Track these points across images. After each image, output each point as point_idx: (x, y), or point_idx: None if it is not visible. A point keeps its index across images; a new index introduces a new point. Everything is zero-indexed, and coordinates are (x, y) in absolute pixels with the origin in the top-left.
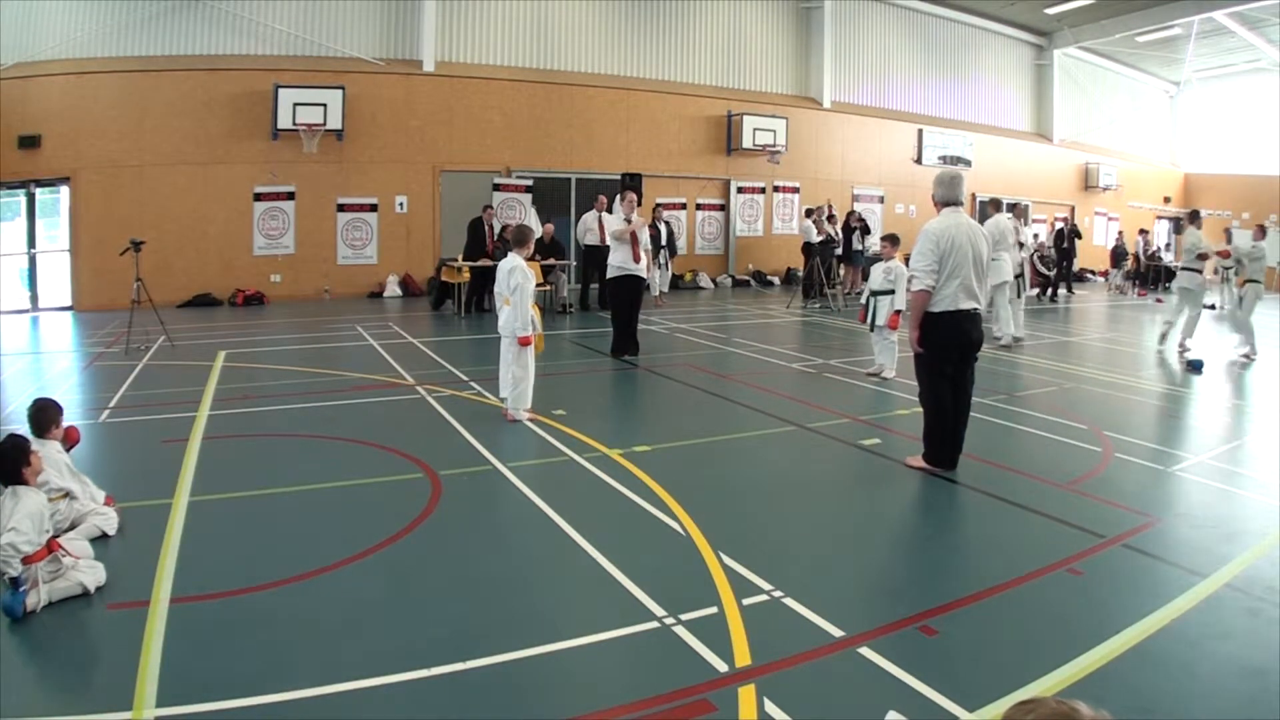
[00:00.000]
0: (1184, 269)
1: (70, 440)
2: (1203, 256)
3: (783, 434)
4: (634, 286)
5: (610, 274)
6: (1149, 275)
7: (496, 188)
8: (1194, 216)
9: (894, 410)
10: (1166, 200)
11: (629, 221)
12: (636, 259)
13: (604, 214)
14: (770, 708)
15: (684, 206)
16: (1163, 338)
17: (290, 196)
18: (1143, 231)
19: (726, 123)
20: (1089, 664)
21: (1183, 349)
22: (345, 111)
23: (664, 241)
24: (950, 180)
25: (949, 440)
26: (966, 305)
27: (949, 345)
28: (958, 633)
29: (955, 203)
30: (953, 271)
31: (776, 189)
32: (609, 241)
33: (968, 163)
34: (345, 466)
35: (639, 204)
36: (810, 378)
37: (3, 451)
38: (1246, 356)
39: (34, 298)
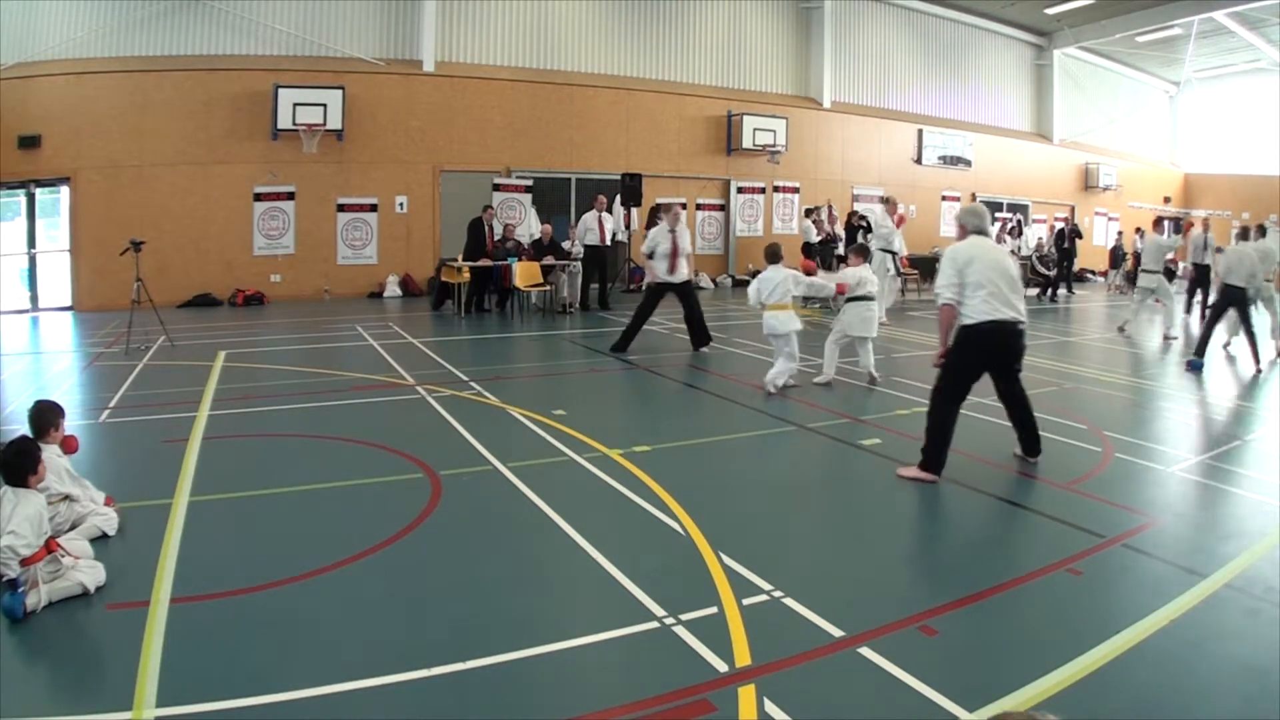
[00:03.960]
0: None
1: (68, 450)
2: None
3: (783, 434)
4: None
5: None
6: None
7: (496, 188)
8: (1157, 223)
9: (894, 410)
10: (1166, 200)
11: (673, 232)
12: (672, 270)
13: (604, 214)
14: (770, 708)
15: (684, 206)
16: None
17: (290, 196)
18: (1138, 230)
19: (726, 123)
20: (1089, 664)
21: (1168, 337)
22: (345, 111)
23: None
24: (983, 212)
25: (947, 446)
26: (1005, 315)
27: (984, 356)
28: (958, 633)
29: (982, 232)
30: (979, 281)
31: (776, 189)
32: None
33: (968, 163)
34: (345, 466)
35: (638, 204)
36: (810, 378)
37: (13, 453)
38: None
39: (34, 298)
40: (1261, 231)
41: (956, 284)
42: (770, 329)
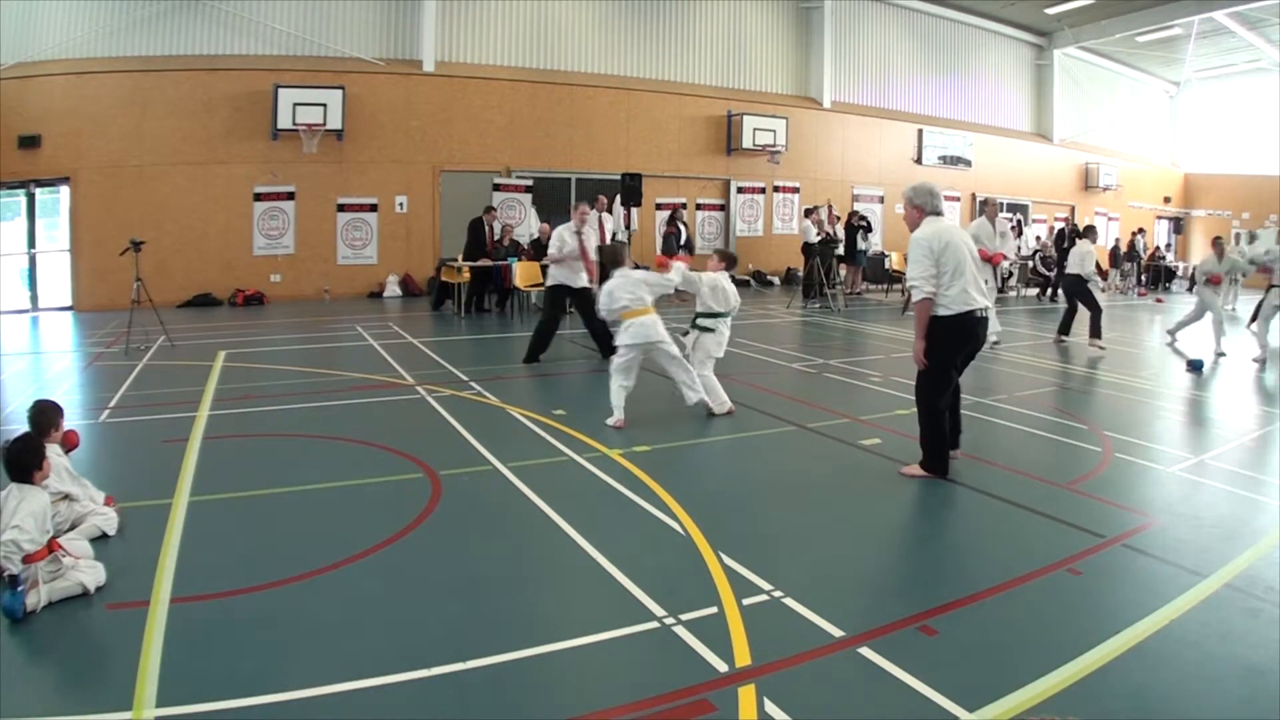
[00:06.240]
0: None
1: (69, 445)
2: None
3: (783, 434)
4: (567, 296)
5: (551, 282)
6: (1151, 274)
7: (496, 188)
8: (1215, 243)
9: (894, 410)
10: (1167, 200)
11: (579, 235)
12: (592, 275)
13: (604, 214)
14: (770, 708)
15: (684, 206)
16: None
17: (290, 196)
18: (1140, 230)
19: (726, 123)
20: (1089, 664)
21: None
22: (345, 111)
23: (681, 242)
24: (939, 191)
25: (948, 444)
26: (979, 303)
27: (959, 347)
28: (958, 633)
29: (938, 212)
30: (956, 270)
31: (776, 189)
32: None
33: (968, 163)
34: (345, 466)
35: (638, 204)
36: (810, 378)
37: (20, 450)
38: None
39: (34, 298)
40: (1251, 237)
41: (934, 274)
42: (641, 338)
